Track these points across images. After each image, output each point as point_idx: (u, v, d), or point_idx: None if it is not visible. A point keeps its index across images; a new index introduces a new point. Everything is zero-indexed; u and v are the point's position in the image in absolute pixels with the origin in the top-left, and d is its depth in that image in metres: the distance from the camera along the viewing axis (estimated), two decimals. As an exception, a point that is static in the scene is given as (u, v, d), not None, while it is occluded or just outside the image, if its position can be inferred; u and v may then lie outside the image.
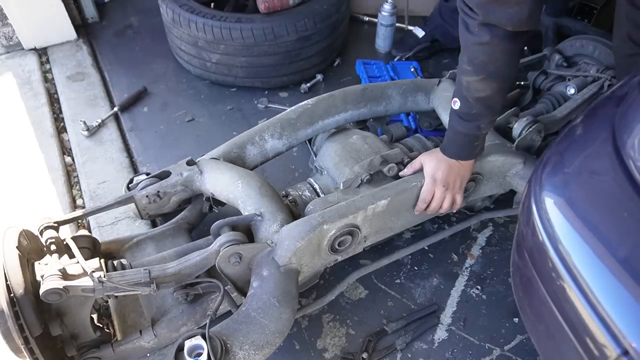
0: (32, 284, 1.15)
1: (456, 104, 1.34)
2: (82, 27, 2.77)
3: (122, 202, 1.46)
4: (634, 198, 0.87)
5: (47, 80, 2.50)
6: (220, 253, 1.25)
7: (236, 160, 1.58)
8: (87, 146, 2.12)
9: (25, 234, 1.25)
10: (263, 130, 1.61)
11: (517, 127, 1.60)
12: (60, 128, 2.27)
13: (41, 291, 1.08)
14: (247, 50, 2.17)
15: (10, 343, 1.11)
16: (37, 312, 1.11)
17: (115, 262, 1.28)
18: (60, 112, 2.33)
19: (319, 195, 1.55)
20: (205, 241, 1.47)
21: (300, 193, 1.55)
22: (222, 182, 1.45)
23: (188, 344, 1.12)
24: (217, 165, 1.49)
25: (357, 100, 1.72)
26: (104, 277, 1.14)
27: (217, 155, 1.55)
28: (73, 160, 2.11)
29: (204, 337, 1.12)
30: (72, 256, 1.21)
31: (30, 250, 1.25)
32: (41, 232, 1.29)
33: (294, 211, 1.48)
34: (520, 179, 1.55)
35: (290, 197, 1.52)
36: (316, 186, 1.57)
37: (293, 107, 1.67)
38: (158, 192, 1.46)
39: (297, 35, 2.16)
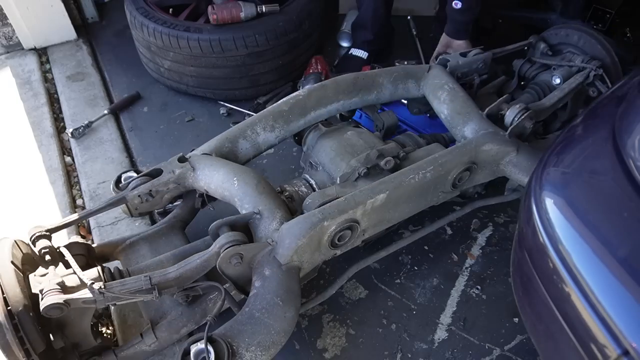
0: (30, 297, 1.13)
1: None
2: (82, 27, 2.77)
3: (114, 204, 1.43)
4: (634, 198, 0.87)
5: (47, 80, 2.50)
6: (221, 255, 1.24)
7: (228, 154, 1.55)
8: (87, 146, 2.12)
9: (18, 245, 1.23)
10: (255, 124, 1.58)
11: (510, 115, 1.61)
12: (60, 128, 2.26)
13: (42, 307, 1.06)
14: (195, 60, 2.12)
15: (11, 357, 1.09)
16: (39, 328, 1.10)
17: (112, 269, 1.26)
18: (60, 112, 2.33)
19: (314, 190, 1.55)
20: (202, 242, 1.46)
21: (296, 189, 1.54)
22: (216, 179, 1.43)
23: (194, 348, 1.11)
24: (210, 161, 1.47)
25: (348, 90, 1.70)
26: (104, 287, 1.12)
27: (209, 151, 1.52)
28: (73, 160, 2.11)
29: (209, 340, 1.11)
30: (67, 264, 1.19)
31: (24, 260, 1.23)
32: (34, 242, 1.26)
33: (290, 207, 1.48)
34: (513, 167, 1.55)
35: (287, 193, 1.52)
36: (312, 182, 1.57)
37: (284, 99, 1.64)
38: (150, 191, 1.44)
39: (247, 50, 2.09)
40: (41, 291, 1.09)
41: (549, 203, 0.97)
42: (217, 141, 1.55)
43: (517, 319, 1.56)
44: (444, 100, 1.70)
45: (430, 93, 1.76)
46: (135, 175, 1.51)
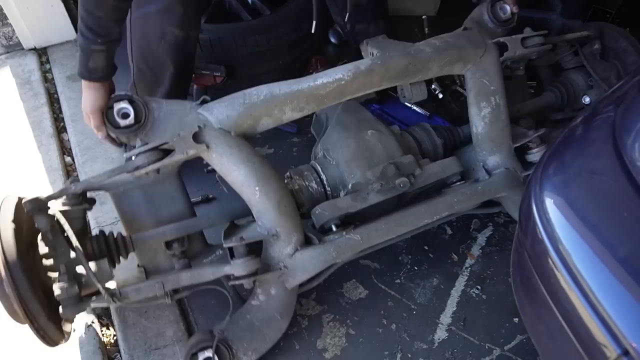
0: (34, 270, 1.21)
1: None
2: (82, 27, 2.77)
3: (116, 173, 1.35)
4: (634, 198, 0.87)
5: (47, 80, 2.50)
6: (237, 282, 1.33)
7: (248, 130, 1.42)
8: (87, 146, 2.12)
9: (21, 203, 1.27)
10: (285, 104, 1.42)
11: (535, 158, 1.64)
12: (60, 128, 2.26)
13: (62, 314, 1.19)
14: (196, 60, 1.99)
15: (11, 313, 1.17)
16: (40, 295, 1.18)
17: (116, 235, 1.36)
18: (60, 112, 2.33)
19: (325, 188, 1.55)
20: (206, 220, 1.44)
21: (307, 183, 1.53)
22: (235, 175, 1.34)
23: (202, 356, 1.32)
24: (228, 147, 1.34)
25: (395, 77, 1.54)
26: (120, 294, 1.24)
27: (228, 125, 1.37)
28: (73, 160, 2.11)
29: (215, 348, 1.31)
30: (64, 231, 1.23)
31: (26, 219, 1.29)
32: (32, 214, 1.25)
33: (298, 199, 1.50)
34: (513, 204, 1.59)
35: (297, 187, 1.52)
36: (323, 177, 1.55)
37: (324, 81, 1.44)
38: (158, 170, 1.33)
39: (246, 50, 2.06)
40: (57, 297, 1.18)
41: (549, 203, 0.97)
42: (239, 116, 1.37)
43: (517, 319, 1.56)
44: (484, 116, 1.61)
45: (473, 91, 1.62)
46: (129, 107, 1.34)
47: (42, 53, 2.63)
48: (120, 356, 1.49)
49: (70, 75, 2.48)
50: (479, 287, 1.64)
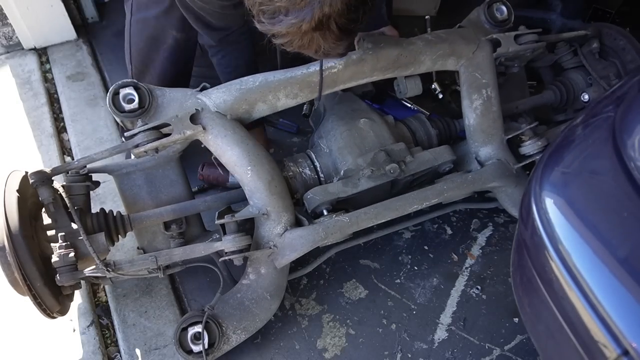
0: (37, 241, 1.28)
1: None
2: (82, 27, 2.77)
3: (117, 152, 1.42)
4: (634, 198, 0.87)
5: (47, 80, 2.50)
6: (228, 257, 1.35)
7: (243, 115, 1.47)
8: (87, 146, 2.12)
9: (27, 177, 1.32)
10: (279, 90, 1.46)
11: (527, 149, 1.63)
12: (60, 128, 2.26)
13: (58, 284, 1.23)
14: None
15: (13, 282, 1.21)
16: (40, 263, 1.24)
17: (115, 214, 1.42)
18: (60, 112, 2.33)
19: (318, 175, 1.56)
20: (203, 203, 1.50)
21: (300, 170, 1.56)
22: (229, 155, 1.39)
23: (191, 331, 1.33)
24: (224, 129, 1.39)
25: (387, 67, 1.55)
26: (114, 265, 1.27)
27: (225, 109, 1.42)
28: (73, 160, 2.11)
29: (205, 325, 1.33)
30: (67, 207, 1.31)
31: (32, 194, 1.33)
32: (36, 187, 1.30)
33: (292, 186, 1.52)
34: (506, 197, 1.61)
35: (291, 173, 1.54)
36: (317, 164, 1.58)
37: (317, 68, 1.47)
38: (157, 148, 1.37)
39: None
40: (54, 265, 1.23)
41: (549, 203, 0.97)
42: (235, 101, 1.43)
43: (517, 319, 1.56)
44: (476, 108, 1.61)
45: (466, 84, 1.62)
46: (134, 93, 1.37)
47: (42, 53, 2.63)
48: (120, 356, 1.50)
49: (70, 75, 2.48)
50: (479, 287, 1.64)
